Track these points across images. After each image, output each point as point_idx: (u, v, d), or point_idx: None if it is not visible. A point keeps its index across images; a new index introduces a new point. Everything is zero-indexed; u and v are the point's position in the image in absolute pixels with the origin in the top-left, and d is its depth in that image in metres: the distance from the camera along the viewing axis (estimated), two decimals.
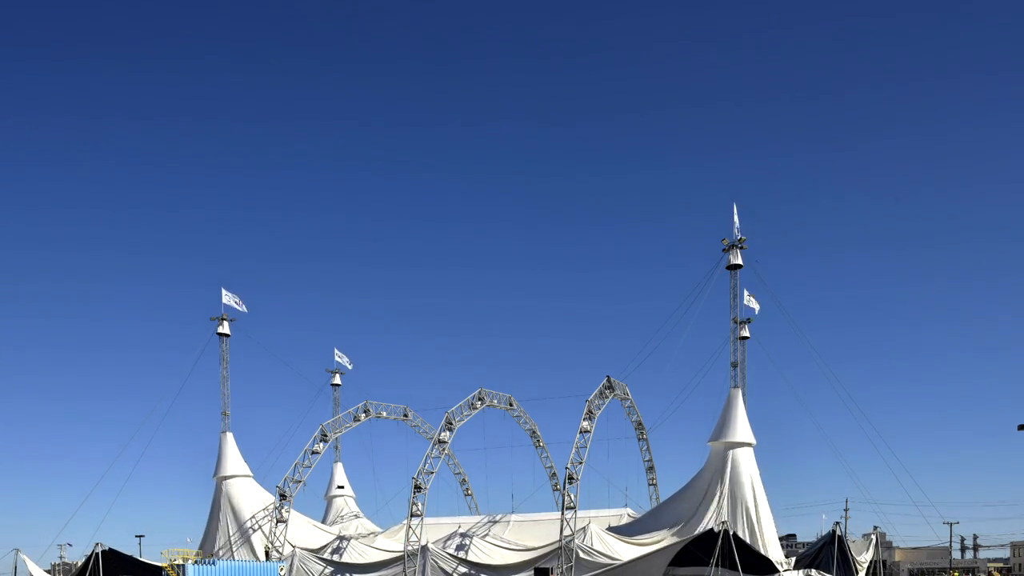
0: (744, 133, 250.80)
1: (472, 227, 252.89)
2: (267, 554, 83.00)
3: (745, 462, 77.32)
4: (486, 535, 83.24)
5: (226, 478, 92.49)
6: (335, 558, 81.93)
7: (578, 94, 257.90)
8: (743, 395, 79.04)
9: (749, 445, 78.07)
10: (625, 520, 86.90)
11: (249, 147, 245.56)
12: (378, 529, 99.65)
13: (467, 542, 78.94)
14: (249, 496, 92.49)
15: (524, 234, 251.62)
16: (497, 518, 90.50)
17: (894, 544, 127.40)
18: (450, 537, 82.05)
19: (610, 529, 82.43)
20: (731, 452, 77.21)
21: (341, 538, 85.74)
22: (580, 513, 72.82)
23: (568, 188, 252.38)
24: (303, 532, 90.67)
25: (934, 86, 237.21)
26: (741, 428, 77.70)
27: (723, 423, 78.36)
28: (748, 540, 73.63)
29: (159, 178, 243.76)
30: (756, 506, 76.25)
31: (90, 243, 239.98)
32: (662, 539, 75.48)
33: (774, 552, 74.93)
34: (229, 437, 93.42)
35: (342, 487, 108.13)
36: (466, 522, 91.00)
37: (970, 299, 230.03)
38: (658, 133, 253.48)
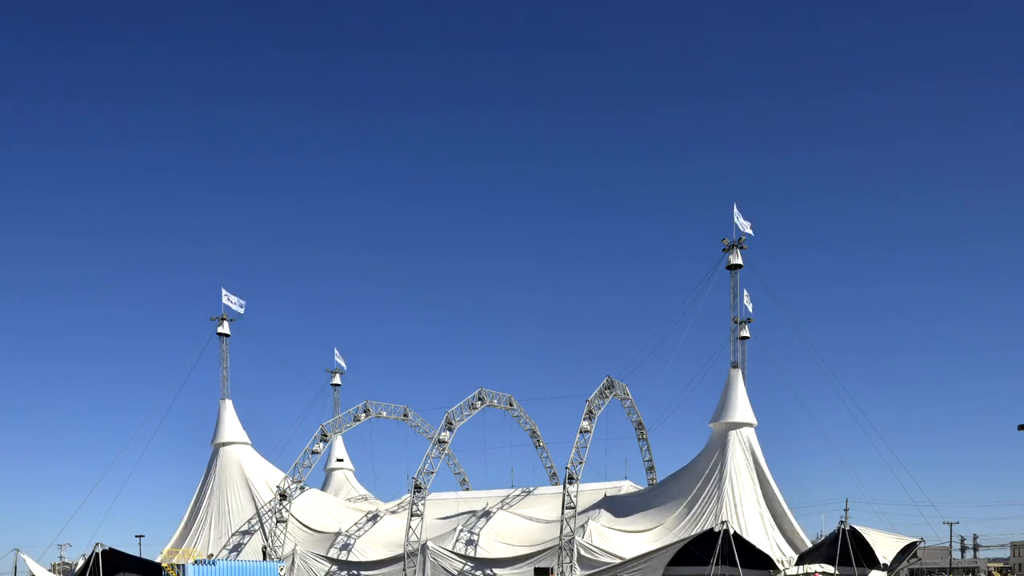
0: (744, 132, 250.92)
1: (473, 230, 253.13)
2: (264, 554, 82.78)
3: (747, 442, 77.17)
4: (487, 522, 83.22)
5: (223, 444, 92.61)
6: (341, 556, 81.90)
7: (580, 93, 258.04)
8: (743, 378, 78.96)
9: (750, 425, 77.92)
10: (624, 492, 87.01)
11: (251, 148, 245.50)
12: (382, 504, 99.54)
13: (474, 537, 79.05)
14: (247, 463, 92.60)
15: (525, 236, 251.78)
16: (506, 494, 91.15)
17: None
18: (455, 523, 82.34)
19: (608, 499, 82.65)
20: (732, 432, 77.10)
21: (345, 535, 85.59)
22: (580, 486, 73.23)
23: (567, 191, 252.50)
24: (324, 510, 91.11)
25: (935, 86, 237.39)
26: (741, 408, 77.56)
27: (723, 404, 78.18)
28: (765, 519, 74.35)
29: (160, 178, 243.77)
30: (764, 484, 76.28)
31: (88, 244, 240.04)
32: (663, 522, 76.13)
33: (788, 529, 75.18)
34: (228, 404, 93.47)
35: (341, 459, 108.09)
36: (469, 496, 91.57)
37: (971, 299, 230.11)
38: (660, 133, 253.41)
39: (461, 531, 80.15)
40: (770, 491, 76.59)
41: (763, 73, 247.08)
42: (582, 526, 73.72)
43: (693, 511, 75.67)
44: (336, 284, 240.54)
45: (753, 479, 76.36)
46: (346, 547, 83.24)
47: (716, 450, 77.62)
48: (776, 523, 75.88)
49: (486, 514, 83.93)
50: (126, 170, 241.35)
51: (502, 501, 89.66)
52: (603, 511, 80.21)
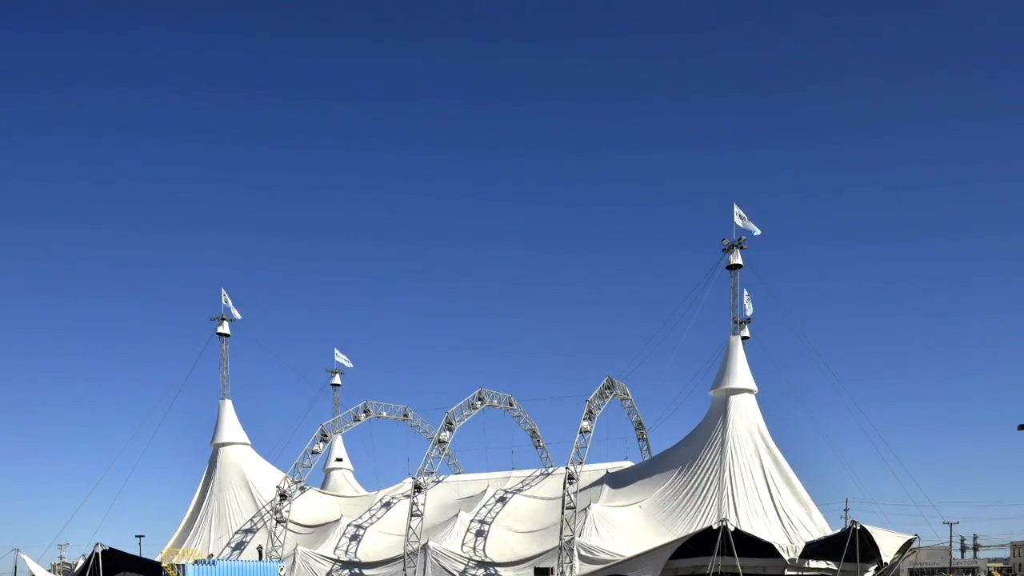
0: (746, 130, 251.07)
1: (474, 230, 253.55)
2: (260, 553, 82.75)
3: (747, 408, 76.66)
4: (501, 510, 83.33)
5: (223, 444, 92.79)
6: (343, 556, 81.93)
7: (581, 88, 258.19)
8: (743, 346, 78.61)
9: (750, 391, 77.45)
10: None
11: (250, 144, 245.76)
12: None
13: (481, 535, 79.27)
14: (247, 463, 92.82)
15: (525, 236, 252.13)
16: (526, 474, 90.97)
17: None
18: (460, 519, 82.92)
19: (609, 476, 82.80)
20: (732, 398, 76.62)
21: (347, 535, 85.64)
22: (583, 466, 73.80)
23: (568, 189, 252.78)
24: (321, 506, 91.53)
25: (934, 83, 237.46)
26: (741, 374, 77.11)
27: (724, 370, 77.61)
28: (770, 486, 73.65)
29: (160, 174, 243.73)
30: (767, 450, 75.79)
31: (88, 242, 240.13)
32: (667, 482, 76.36)
33: (797, 498, 74.64)
34: (228, 404, 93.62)
35: (341, 459, 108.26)
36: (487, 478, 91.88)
37: (971, 297, 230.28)
38: (661, 130, 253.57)
39: (463, 532, 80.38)
40: (773, 457, 75.82)
41: (764, 70, 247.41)
42: (584, 509, 73.65)
43: (695, 478, 75.17)
44: (336, 283, 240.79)
45: (755, 445, 75.50)
46: (347, 548, 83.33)
47: (717, 416, 76.98)
48: (782, 490, 74.69)
49: (502, 499, 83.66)
50: (126, 167, 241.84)
51: (504, 482, 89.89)
52: (605, 487, 79.95)
